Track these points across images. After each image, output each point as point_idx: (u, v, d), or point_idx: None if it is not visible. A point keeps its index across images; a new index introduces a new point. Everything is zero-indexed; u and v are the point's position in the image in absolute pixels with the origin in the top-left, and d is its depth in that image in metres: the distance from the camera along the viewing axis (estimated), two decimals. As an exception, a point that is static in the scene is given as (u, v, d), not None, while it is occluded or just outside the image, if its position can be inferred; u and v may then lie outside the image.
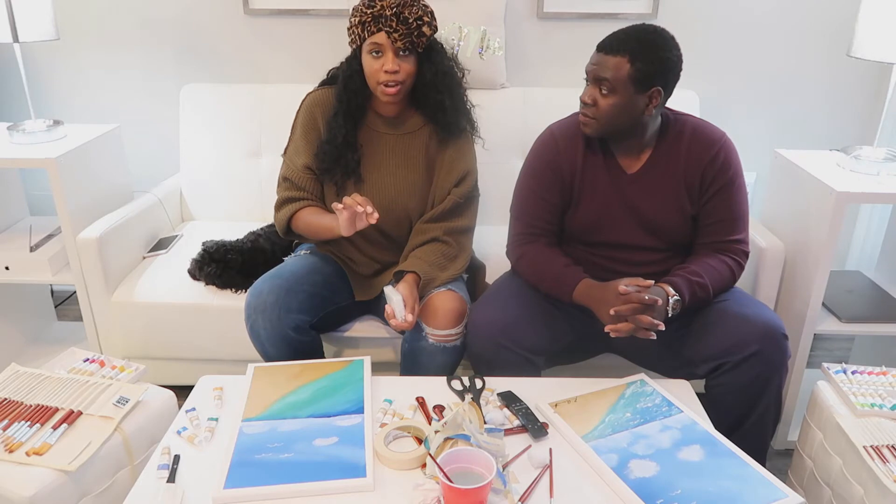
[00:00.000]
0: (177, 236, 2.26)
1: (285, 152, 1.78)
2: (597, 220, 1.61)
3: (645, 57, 1.43)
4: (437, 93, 1.67)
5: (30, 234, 2.17)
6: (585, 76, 1.51)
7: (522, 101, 2.30)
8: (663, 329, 1.43)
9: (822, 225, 1.77)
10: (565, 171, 1.60)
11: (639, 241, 1.61)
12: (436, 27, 1.62)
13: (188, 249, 2.12)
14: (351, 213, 1.51)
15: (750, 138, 2.47)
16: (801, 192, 1.91)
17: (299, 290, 1.66)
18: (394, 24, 1.54)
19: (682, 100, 2.22)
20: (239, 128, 2.33)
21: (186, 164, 2.37)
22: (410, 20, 1.55)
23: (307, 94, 1.77)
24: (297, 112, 1.77)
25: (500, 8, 2.25)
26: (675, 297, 1.47)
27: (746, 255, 1.60)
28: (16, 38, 1.91)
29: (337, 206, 1.51)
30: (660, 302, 1.43)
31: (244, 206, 2.37)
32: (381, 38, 1.56)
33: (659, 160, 1.57)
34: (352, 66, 1.67)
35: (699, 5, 2.35)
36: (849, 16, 2.30)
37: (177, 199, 2.41)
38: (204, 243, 2.04)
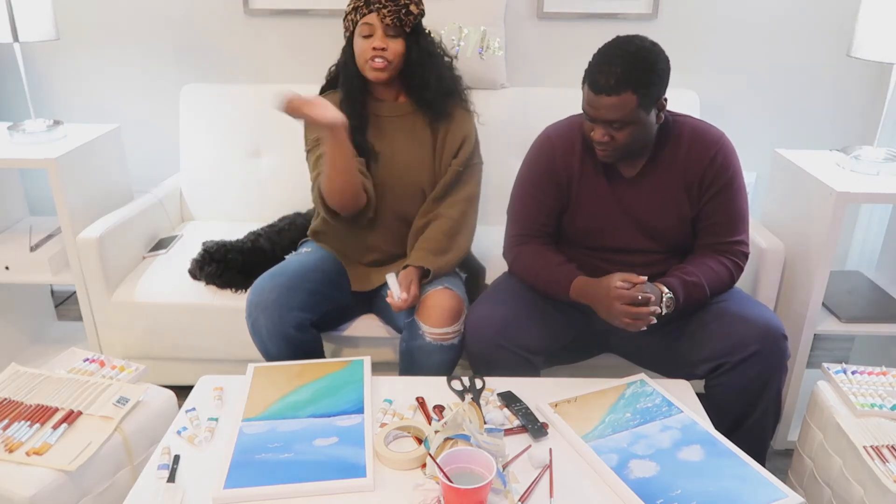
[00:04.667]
0: (177, 236, 2.26)
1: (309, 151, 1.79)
2: (595, 224, 1.61)
3: (647, 81, 1.40)
4: (424, 70, 1.74)
5: (30, 234, 2.17)
6: (586, 115, 1.48)
7: (522, 101, 2.30)
8: (654, 320, 1.43)
9: (822, 225, 1.77)
10: (562, 176, 1.60)
11: (638, 245, 1.61)
12: (423, 11, 1.72)
13: (188, 249, 2.12)
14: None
15: (750, 138, 2.47)
16: (801, 192, 1.91)
17: (301, 288, 1.67)
18: (382, 1, 1.65)
19: (682, 100, 2.22)
20: (239, 128, 2.33)
21: (186, 164, 2.37)
22: None
23: (327, 94, 1.83)
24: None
25: (500, 8, 2.25)
26: (669, 295, 1.47)
27: (746, 256, 1.60)
28: (16, 38, 1.91)
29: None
30: (653, 298, 1.44)
31: (244, 206, 2.37)
32: (371, 18, 1.66)
33: (658, 163, 1.57)
34: (346, 53, 1.76)
35: (699, 5, 2.35)
36: (849, 16, 2.30)
37: (177, 199, 2.41)
38: (204, 243, 2.04)
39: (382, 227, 1.81)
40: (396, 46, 1.69)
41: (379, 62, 1.68)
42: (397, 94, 1.80)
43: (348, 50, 1.75)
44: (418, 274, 1.68)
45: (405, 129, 1.79)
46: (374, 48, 1.66)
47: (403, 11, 1.67)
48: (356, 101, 1.75)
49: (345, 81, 1.76)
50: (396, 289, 1.61)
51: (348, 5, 1.72)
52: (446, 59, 1.82)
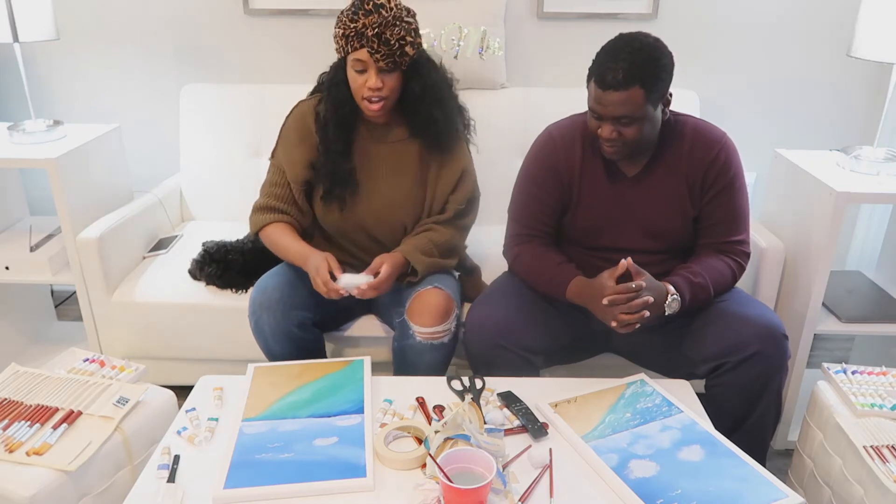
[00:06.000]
0: (177, 236, 2.26)
1: (273, 156, 1.76)
2: (597, 223, 1.61)
3: (654, 76, 1.40)
4: (427, 106, 1.64)
5: (30, 234, 2.17)
6: (593, 113, 1.47)
7: (522, 101, 2.30)
8: (647, 313, 1.41)
9: (822, 225, 1.77)
10: (563, 174, 1.59)
11: (639, 245, 1.60)
12: (419, 44, 1.60)
13: (188, 249, 2.12)
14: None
15: (750, 138, 2.47)
16: (801, 192, 1.91)
17: (304, 287, 1.67)
18: (375, 45, 1.52)
19: (682, 100, 2.22)
20: (239, 128, 2.33)
21: (186, 164, 2.37)
22: (392, 41, 1.53)
23: (298, 104, 1.75)
24: (288, 119, 1.75)
25: (500, 8, 2.25)
26: (675, 296, 1.47)
27: (747, 255, 1.60)
28: (16, 38, 1.91)
29: (334, 287, 1.55)
30: (643, 284, 1.42)
31: (244, 206, 2.33)
32: (363, 55, 1.54)
33: (660, 162, 1.57)
34: (338, 75, 1.64)
35: (699, 5, 2.35)
36: (849, 16, 2.29)
37: (177, 199, 2.41)
38: (204, 243, 2.04)
39: (358, 248, 1.77)
40: (392, 82, 1.58)
41: (375, 103, 1.58)
42: (389, 119, 1.69)
43: (341, 73, 1.63)
44: (396, 258, 1.64)
45: (392, 159, 1.71)
46: (370, 88, 1.56)
47: (398, 54, 1.54)
48: (345, 126, 1.66)
49: (334, 102, 1.64)
50: (360, 279, 1.57)
51: (337, 27, 1.57)
52: (448, 81, 1.70)
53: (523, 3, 2.36)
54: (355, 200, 1.71)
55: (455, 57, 2.22)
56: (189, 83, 2.37)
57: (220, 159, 2.34)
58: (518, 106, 2.29)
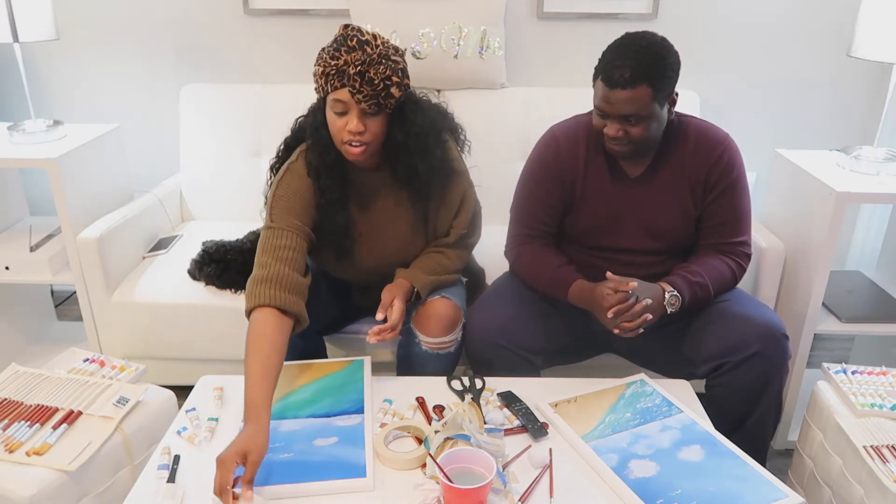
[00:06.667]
0: (177, 236, 2.26)
1: (272, 221, 1.51)
2: (599, 223, 1.61)
3: (661, 74, 1.40)
4: (409, 156, 1.52)
5: (30, 234, 2.17)
6: (599, 111, 1.47)
7: (522, 101, 2.30)
8: (650, 316, 1.42)
9: (822, 225, 1.77)
10: (566, 174, 1.59)
11: (640, 245, 1.60)
12: (406, 86, 1.47)
13: (188, 249, 2.12)
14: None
15: (750, 138, 2.46)
16: (801, 192, 1.91)
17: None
18: (357, 85, 1.38)
19: (682, 100, 2.20)
20: (239, 128, 2.33)
21: (186, 164, 2.37)
22: (376, 81, 1.39)
23: (289, 166, 1.56)
24: (282, 183, 1.54)
25: (500, 8, 2.25)
26: (672, 293, 1.47)
27: (748, 256, 1.60)
28: (16, 38, 1.91)
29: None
30: (635, 284, 1.43)
31: (244, 206, 2.36)
32: (344, 95, 1.41)
33: (663, 163, 1.57)
34: (317, 118, 1.51)
35: (699, 5, 2.35)
36: (849, 16, 2.29)
37: (177, 199, 2.41)
38: (204, 243, 2.04)
39: (374, 281, 1.71)
40: (375, 126, 1.44)
41: (356, 148, 1.45)
42: (379, 161, 1.57)
43: (320, 115, 1.50)
44: (405, 288, 1.57)
45: (391, 203, 1.61)
46: (350, 131, 1.43)
47: (382, 95, 1.40)
48: (336, 174, 1.54)
49: (318, 150, 1.52)
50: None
51: (317, 64, 1.44)
52: (438, 123, 1.56)
53: (523, 3, 2.36)
54: (364, 252, 1.65)
55: (455, 57, 2.22)
56: (189, 83, 2.37)
57: (220, 159, 2.34)
58: (518, 106, 2.29)
